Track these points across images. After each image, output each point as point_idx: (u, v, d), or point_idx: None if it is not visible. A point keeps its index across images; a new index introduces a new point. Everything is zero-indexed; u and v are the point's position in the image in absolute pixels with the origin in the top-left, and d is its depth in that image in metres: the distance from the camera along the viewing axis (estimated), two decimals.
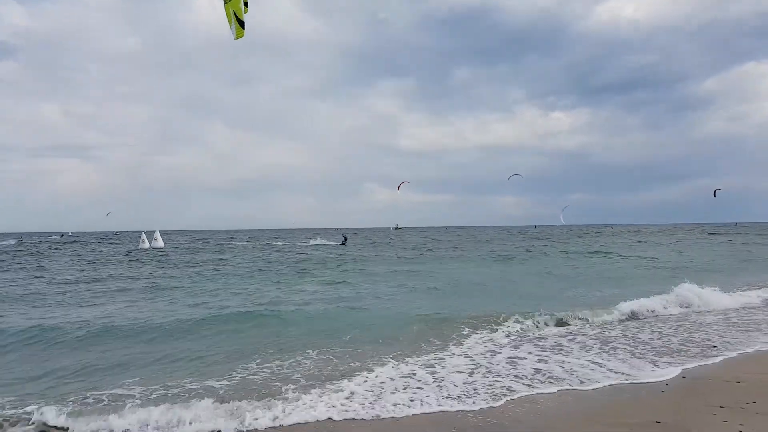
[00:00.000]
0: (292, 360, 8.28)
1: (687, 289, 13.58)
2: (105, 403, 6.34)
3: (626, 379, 7.13)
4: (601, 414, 5.84)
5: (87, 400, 6.48)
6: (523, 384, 6.95)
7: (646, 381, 7.07)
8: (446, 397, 6.43)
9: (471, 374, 7.39)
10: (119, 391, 6.79)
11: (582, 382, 7.00)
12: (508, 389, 6.73)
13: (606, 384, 6.94)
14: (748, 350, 8.73)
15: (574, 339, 9.72)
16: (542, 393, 6.61)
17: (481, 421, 5.72)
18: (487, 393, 6.55)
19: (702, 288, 13.91)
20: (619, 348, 8.96)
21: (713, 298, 13.48)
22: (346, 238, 55.21)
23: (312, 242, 59.09)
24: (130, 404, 6.18)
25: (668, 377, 7.23)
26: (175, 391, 6.75)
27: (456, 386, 6.83)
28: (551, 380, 7.11)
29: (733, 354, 8.48)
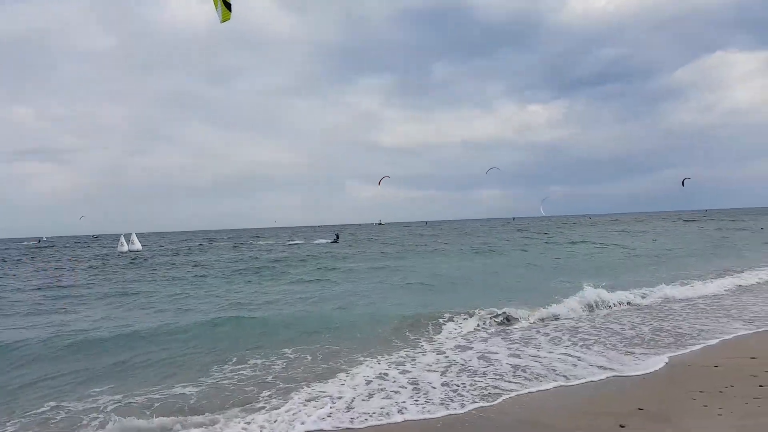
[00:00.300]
0: (266, 361, 8.05)
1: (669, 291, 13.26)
2: (62, 416, 6.00)
3: (612, 373, 6.92)
4: (586, 406, 5.75)
5: (45, 413, 6.12)
6: (506, 382, 6.65)
7: (630, 374, 6.91)
8: (426, 401, 6.04)
9: (446, 374, 7.06)
10: (81, 404, 6.40)
11: (567, 378, 6.74)
12: (493, 389, 6.39)
13: (590, 379, 6.74)
14: (725, 336, 8.75)
15: (539, 331, 9.63)
16: (530, 392, 6.30)
17: (468, 424, 5.43)
18: (470, 394, 6.20)
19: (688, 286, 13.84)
20: (589, 339, 8.84)
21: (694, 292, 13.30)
22: (338, 236, 54.44)
23: (293, 242, 58.08)
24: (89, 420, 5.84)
25: (655, 368, 7.10)
26: (140, 400, 6.44)
27: (434, 388, 6.51)
28: (537, 377, 6.81)
29: (710, 341, 8.48)
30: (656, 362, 7.35)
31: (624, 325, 9.95)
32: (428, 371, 7.25)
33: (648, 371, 6.97)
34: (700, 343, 8.35)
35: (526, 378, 6.82)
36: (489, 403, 5.94)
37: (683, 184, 49.89)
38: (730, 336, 8.77)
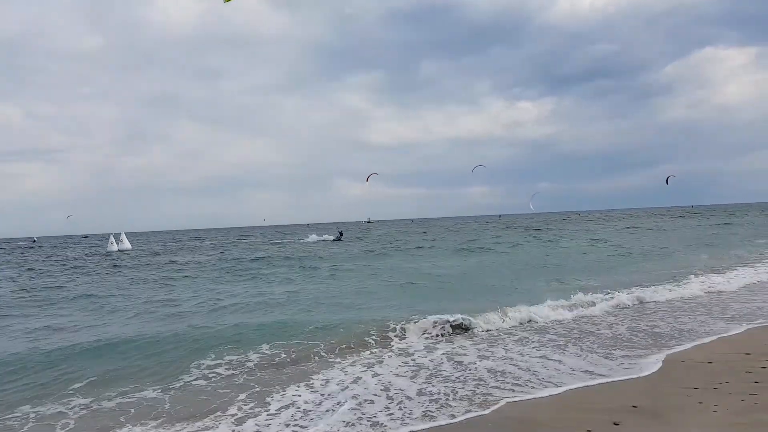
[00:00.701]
0: (241, 358, 7.90)
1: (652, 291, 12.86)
2: (31, 425, 5.74)
3: (606, 372, 6.72)
4: (579, 404, 5.61)
5: (16, 419, 5.88)
6: (493, 388, 6.28)
7: (624, 372, 6.72)
8: (405, 415, 5.59)
9: (416, 379, 6.77)
10: (52, 410, 6.15)
11: (556, 385, 6.33)
12: (482, 395, 6.03)
13: (581, 377, 6.54)
14: (718, 333, 8.60)
15: (511, 333, 9.32)
16: (521, 395, 6.02)
17: None
18: (458, 403, 5.80)
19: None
20: (559, 340, 8.56)
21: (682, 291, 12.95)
22: (341, 234, 52.47)
23: (281, 241, 57.07)
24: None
25: (649, 364, 6.93)
26: (111, 405, 6.24)
27: (410, 399, 6.07)
28: (526, 382, 6.48)
29: (703, 338, 8.32)
30: (650, 359, 7.20)
31: (599, 325, 9.74)
32: (400, 376, 6.96)
33: (643, 368, 6.80)
34: (693, 341, 8.16)
35: (518, 384, 6.43)
36: (484, 411, 5.60)
37: (667, 182, 49.87)
38: (725, 333, 8.61)
